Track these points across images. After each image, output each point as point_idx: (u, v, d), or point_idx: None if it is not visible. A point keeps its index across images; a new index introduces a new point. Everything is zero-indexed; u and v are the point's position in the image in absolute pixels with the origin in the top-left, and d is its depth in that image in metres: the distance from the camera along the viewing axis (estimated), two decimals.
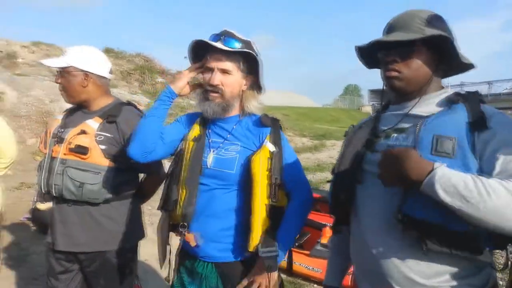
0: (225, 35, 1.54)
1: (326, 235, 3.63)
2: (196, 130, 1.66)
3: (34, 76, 10.65)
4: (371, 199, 1.28)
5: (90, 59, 1.98)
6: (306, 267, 3.61)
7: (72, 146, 1.88)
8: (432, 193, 1.05)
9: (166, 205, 1.61)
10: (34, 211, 4.59)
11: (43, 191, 1.97)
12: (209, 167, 1.57)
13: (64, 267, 2.03)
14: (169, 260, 1.67)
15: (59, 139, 1.93)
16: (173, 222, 1.65)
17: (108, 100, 2.07)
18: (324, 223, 4.01)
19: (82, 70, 1.96)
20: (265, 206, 1.50)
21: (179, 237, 1.63)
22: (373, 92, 45.24)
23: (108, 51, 14.27)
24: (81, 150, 1.87)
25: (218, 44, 1.52)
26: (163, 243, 1.66)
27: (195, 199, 1.56)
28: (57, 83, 1.99)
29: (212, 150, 1.59)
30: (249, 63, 1.59)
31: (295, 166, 1.62)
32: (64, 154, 1.89)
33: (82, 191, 1.87)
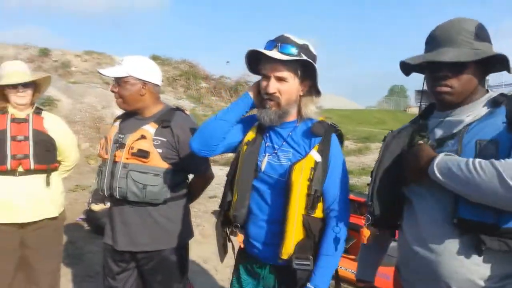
0: (281, 42, 1.52)
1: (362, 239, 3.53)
2: (251, 133, 1.67)
3: (87, 84, 11.23)
4: (424, 205, 1.28)
5: (146, 69, 2.09)
6: (353, 272, 3.54)
7: (134, 150, 1.98)
8: (434, 177, 1.17)
9: (222, 205, 1.69)
10: (89, 212, 4.85)
11: (105, 194, 2.08)
12: (262, 171, 1.59)
13: (122, 267, 2.15)
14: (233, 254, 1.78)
15: (120, 145, 2.04)
16: (229, 221, 1.71)
17: (160, 106, 2.18)
18: None
19: (141, 80, 2.06)
20: (301, 216, 1.48)
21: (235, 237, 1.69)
22: (420, 92, 43.59)
23: (155, 58, 14.63)
24: (143, 154, 1.98)
25: (273, 53, 1.50)
26: (220, 239, 1.72)
27: (247, 202, 1.59)
28: (113, 92, 2.08)
29: (267, 154, 1.61)
30: (306, 67, 1.56)
31: (338, 182, 1.54)
32: (126, 158, 2.00)
33: (145, 193, 1.98)
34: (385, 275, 3.37)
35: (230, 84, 14.27)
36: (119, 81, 2.05)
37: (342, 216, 1.55)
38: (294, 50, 1.51)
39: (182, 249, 2.17)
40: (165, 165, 2.02)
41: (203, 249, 4.26)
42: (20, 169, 2.29)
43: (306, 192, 1.48)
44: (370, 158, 10.44)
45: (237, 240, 1.66)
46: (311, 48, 1.58)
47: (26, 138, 2.31)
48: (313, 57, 1.57)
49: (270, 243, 1.58)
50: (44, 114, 2.47)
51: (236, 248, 1.76)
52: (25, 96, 2.34)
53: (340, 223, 1.52)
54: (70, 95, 10.22)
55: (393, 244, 3.56)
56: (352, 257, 3.60)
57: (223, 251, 1.72)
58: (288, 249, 1.48)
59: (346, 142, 12.80)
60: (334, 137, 1.58)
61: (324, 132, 1.55)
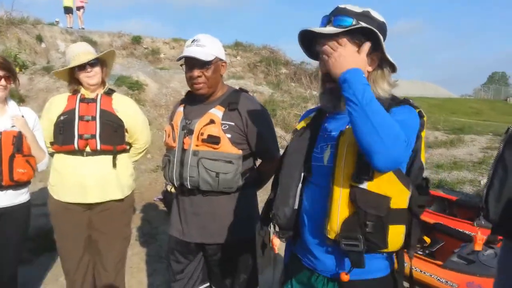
0: (334, 15, 1.29)
1: (477, 245, 3.10)
2: (302, 123, 1.47)
3: (174, 70, 11.71)
4: None
5: (220, 47, 1.99)
6: (438, 279, 3.15)
7: (204, 136, 1.87)
8: None
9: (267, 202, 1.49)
10: (165, 193, 4.98)
11: (175, 185, 1.99)
12: (325, 164, 1.34)
13: (189, 259, 2.08)
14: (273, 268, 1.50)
15: (188, 131, 1.93)
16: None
17: (225, 88, 2.06)
18: (462, 230, 3.47)
19: (221, 60, 1.97)
20: (348, 187, 1.21)
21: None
22: None
23: (237, 45, 14.96)
24: (214, 140, 1.86)
25: (325, 29, 1.27)
26: (259, 239, 1.49)
27: (291, 200, 1.37)
28: (196, 76, 1.91)
29: (329, 145, 1.35)
30: (372, 38, 1.28)
31: None
32: (196, 145, 1.89)
33: (218, 181, 1.87)
34: (478, 286, 2.96)
35: (310, 70, 13.92)
36: (204, 64, 1.92)
37: None
38: (350, 20, 1.26)
39: (251, 239, 2.05)
40: (235, 151, 1.90)
41: None
42: (88, 149, 2.31)
43: (354, 158, 1.22)
44: (463, 152, 9.48)
45: (274, 244, 1.41)
46: (374, 15, 1.30)
47: (94, 118, 2.31)
48: (378, 24, 1.29)
49: (328, 251, 1.32)
50: (115, 95, 2.46)
51: (272, 256, 1.50)
52: (94, 75, 2.34)
53: None
54: (157, 80, 10.73)
55: (489, 252, 3.12)
56: (439, 262, 3.20)
57: (266, 255, 1.48)
58: (333, 226, 1.22)
59: (436, 133, 11.90)
60: (404, 108, 1.27)
61: (391, 106, 1.26)
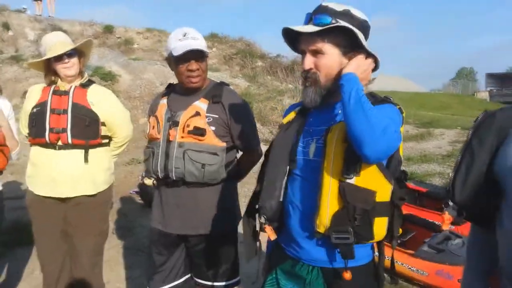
0: (315, 13, 1.33)
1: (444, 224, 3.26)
2: (289, 117, 1.50)
3: (147, 61, 11.50)
4: None
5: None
6: (410, 268, 3.28)
7: (190, 128, 1.88)
8: None
9: (253, 195, 1.52)
10: (141, 186, 4.95)
11: (159, 176, 1.98)
12: (311, 158, 1.38)
13: (171, 251, 2.09)
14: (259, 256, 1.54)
15: (174, 123, 1.93)
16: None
17: (207, 81, 2.07)
18: (431, 221, 3.61)
19: (207, 53, 1.99)
20: (337, 182, 1.26)
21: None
22: (492, 76, 40.37)
23: (213, 37, 14.80)
24: (200, 132, 1.89)
25: (304, 27, 1.32)
26: (247, 230, 1.52)
27: (277, 192, 1.40)
28: (194, 70, 1.93)
29: (315, 139, 1.39)
30: (350, 36, 1.32)
31: None
32: (182, 137, 1.90)
33: (204, 173, 1.89)
34: (447, 274, 3.10)
35: (286, 63, 13.95)
36: (199, 57, 1.94)
37: None
38: (329, 19, 1.29)
39: (234, 230, 2.10)
40: (219, 143, 1.93)
41: None
42: (60, 142, 2.27)
43: (342, 154, 1.26)
44: (433, 145, 9.77)
45: (268, 235, 1.43)
46: (355, 13, 1.34)
47: (65, 112, 2.26)
48: (360, 23, 1.34)
49: (314, 240, 1.36)
50: (92, 87, 2.40)
51: (264, 246, 1.53)
52: (71, 66, 2.29)
53: None
54: (130, 71, 10.53)
55: (457, 241, 3.26)
56: (410, 252, 3.33)
57: (252, 245, 1.50)
58: (323, 220, 1.27)
59: (406, 127, 12.19)
60: (387, 105, 1.34)
61: (373, 104, 1.30)
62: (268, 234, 1.44)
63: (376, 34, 1.37)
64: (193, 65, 1.92)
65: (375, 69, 1.39)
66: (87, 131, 2.31)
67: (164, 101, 2.06)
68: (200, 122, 1.90)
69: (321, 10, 1.33)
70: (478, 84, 43.72)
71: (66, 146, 2.28)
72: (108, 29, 13.50)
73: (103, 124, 2.39)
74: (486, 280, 1.31)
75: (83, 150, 2.31)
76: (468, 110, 21.12)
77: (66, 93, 2.29)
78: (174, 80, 2.11)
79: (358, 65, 1.30)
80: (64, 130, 2.25)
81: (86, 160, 2.32)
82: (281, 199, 1.42)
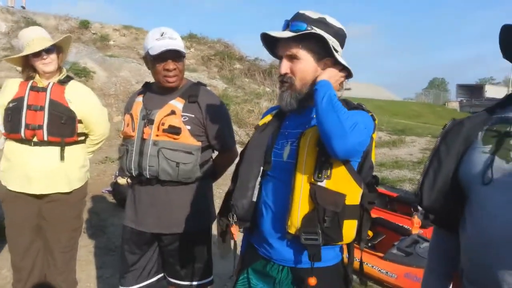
0: (292, 20, 1.38)
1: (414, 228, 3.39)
2: (265, 119, 1.54)
3: (124, 58, 11.32)
4: (497, 208, 1.08)
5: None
6: (379, 270, 3.37)
7: (165, 126, 1.88)
8: None
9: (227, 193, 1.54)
10: (115, 185, 4.87)
11: (133, 174, 1.98)
12: (284, 160, 1.42)
13: (144, 250, 2.08)
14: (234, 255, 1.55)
15: (149, 121, 1.93)
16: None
17: (184, 81, 2.08)
18: (401, 225, 3.72)
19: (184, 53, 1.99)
20: (308, 185, 1.29)
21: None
22: (462, 87, 41.80)
23: (191, 37, 14.71)
24: (175, 130, 1.89)
25: (281, 33, 1.37)
26: (218, 228, 1.54)
27: (250, 192, 1.43)
28: (171, 69, 1.93)
29: (289, 142, 1.42)
30: (324, 43, 1.37)
31: None
32: (156, 135, 1.90)
33: (178, 171, 1.89)
34: (415, 277, 3.20)
35: (264, 67, 14.03)
36: (177, 57, 1.94)
37: None
38: (304, 26, 1.35)
39: (208, 230, 2.11)
40: (195, 142, 1.94)
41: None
42: (35, 139, 2.24)
43: (314, 158, 1.30)
44: (404, 151, 10.04)
45: (232, 232, 1.46)
46: (331, 21, 1.40)
47: (42, 108, 2.23)
48: (335, 31, 1.39)
49: (286, 240, 1.39)
50: (70, 84, 2.37)
51: (233, 245, 1.54)
52: (50, 62, 2.26)
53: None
54: (106, 68, 10.34)
55: (425, 244, 3.37)
56: (380, 254, 3.42)
57: (222, 243, 1.53)
58: (294, 221, 1.30)
59: (379, 133, 12.47)
60: (359, 111, 1.38)
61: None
62: (234, 233, 1.46)
63: (351, 42, 1.42)
64: (170, 64, 1.92)
65: (349, 76, 1.44)
66: (64, 128, 2.29)
67: (140, 99, 2.06)
68: (175, 121, 1.90)
69: (298, 17, 1.38)
70: (449, 94, 45.17)
71: (41, 143, 2.25)
72: (84, 25, 13.19)
73: (80, 121, 2.37)
74: (446, 282, 1.35)
75: (58, 148, 2.29)
76: (438, 119, 21.75)
77: (44, 89, 2.26)
78: (151, 79, 2.11)
79: (330, 76, 1.36)
80: (40, 127, 2.22)
81: (62, 157, 2.29)
82: (254, 199, 1.44)
